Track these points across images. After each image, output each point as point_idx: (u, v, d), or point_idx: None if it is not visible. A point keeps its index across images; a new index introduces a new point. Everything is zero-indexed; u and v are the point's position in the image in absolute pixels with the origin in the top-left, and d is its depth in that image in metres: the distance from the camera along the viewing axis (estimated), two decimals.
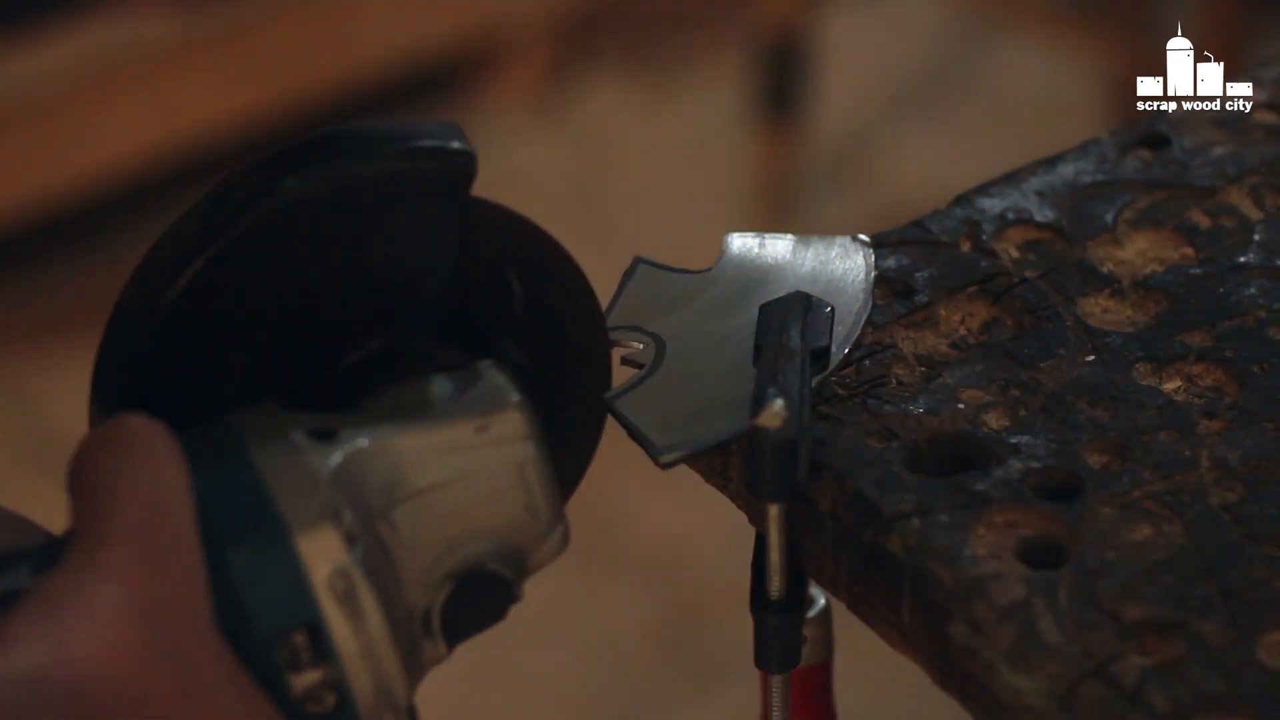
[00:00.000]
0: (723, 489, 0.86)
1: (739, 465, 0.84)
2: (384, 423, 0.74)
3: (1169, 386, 0.86)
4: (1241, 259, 0.91)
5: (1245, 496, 0.80)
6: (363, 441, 0.73)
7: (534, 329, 0.80)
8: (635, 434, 0.84)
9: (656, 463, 0.83)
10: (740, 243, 0.93)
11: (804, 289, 0.88)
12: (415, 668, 0.74)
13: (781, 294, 0.87)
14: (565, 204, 2.81)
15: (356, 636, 0.70)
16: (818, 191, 2.80)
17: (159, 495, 0.68)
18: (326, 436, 0.73)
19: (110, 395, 0.75)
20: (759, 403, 0.77)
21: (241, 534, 0.70)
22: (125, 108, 2.65)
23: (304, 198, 0.74)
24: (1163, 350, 0.87)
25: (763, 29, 2.74)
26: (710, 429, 0.84)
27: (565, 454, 0.83)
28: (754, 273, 0.91)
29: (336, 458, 0.72)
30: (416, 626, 0.74)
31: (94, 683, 0.65)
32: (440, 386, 0.76)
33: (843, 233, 0.93)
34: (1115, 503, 0.80)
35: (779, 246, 0.92)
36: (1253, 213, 0.94)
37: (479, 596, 0.74)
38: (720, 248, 0.93)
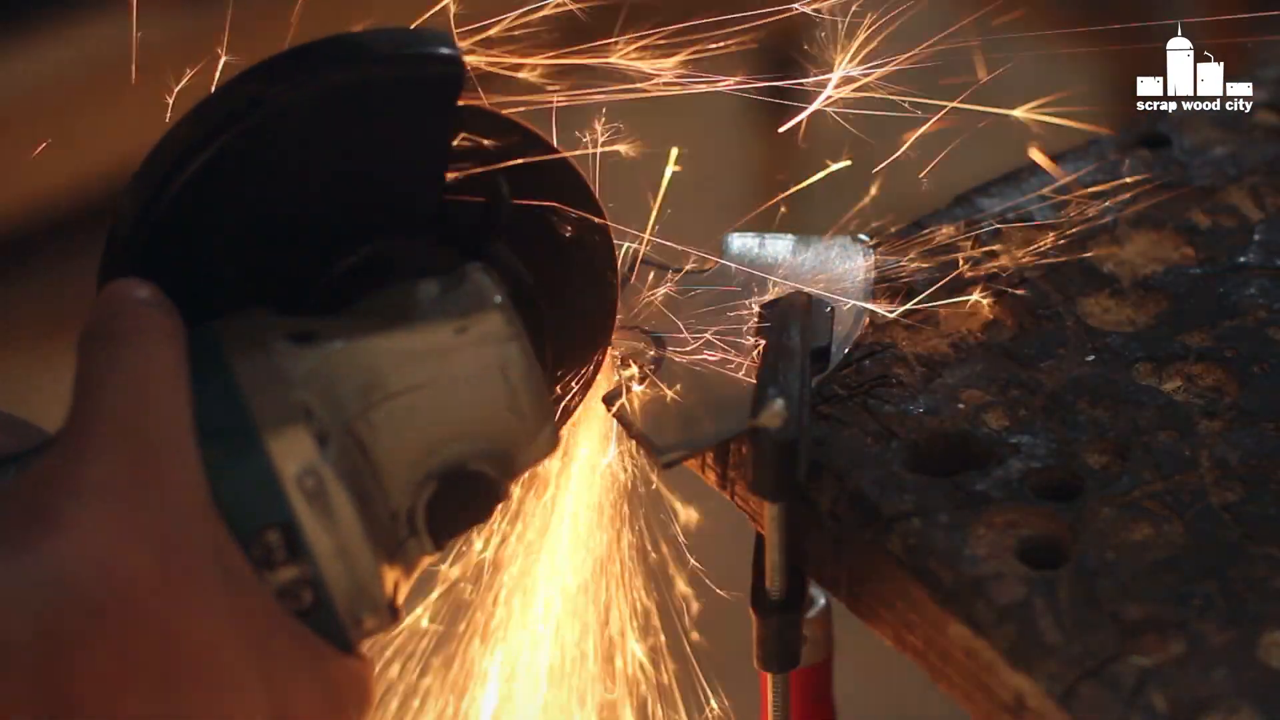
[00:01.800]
0: (723, 489, 0.86)
1: (739, 465, 0.84)
2: (365, 325, 0.75)
3: (1169, 386, 0.86)
4: (1241, 259, 0.91)
5: (1245, 496, 0.80)
6: (338, 344, 0.74)
7: (529, 231, 0.81)
8: (635, 434, 0.84)
9: (656, 462, 0.83)
10: (740, 243, 0.93)
11: (804, 289, 0.88)
12: (402, 566, 0.75)
13: (781, 294, 0.87)
14: None
15: (329, 534, 0.71)
16: (818, 191, 2.79)
17: (146, 382, 0.70)
18: (305, 339, 0.74)
19: None
20: (759, 403, 0.77)
21: (214, 435, 0.71)
22: (125, 108, 2.65)
23: (291, 105, 0.75)
24: (1163, 350, 0.87)
25: (763, 29, 2.74)
26: (710, 429, 0.84)
27: (573, 354, 0.83)
28: (754, 273, 0.91)
29: (311, 360, 0.73)
30: (402, 526, 0.74)
31: (77, 563, 0.66)
32: (426, 290, 0.76)
33: (843, 233, 0.93)
34: (1115, 503, 0.80)
35: (779, 246, 0.92)
36: (1253, 213, 0.94)
37: (464, 495, 0.75)
38: (720, 248, 0.93)
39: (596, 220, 0.82)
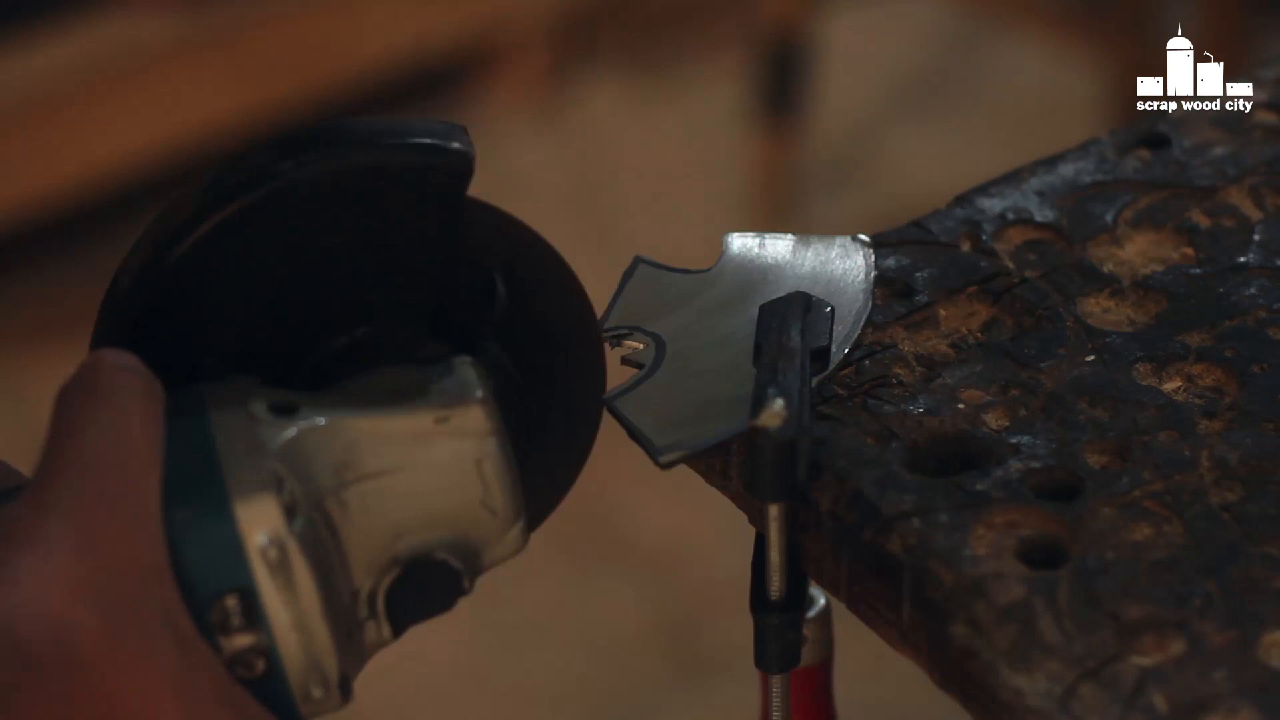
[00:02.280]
0: (723, 489, 0.86)
1: (739, 465, 0.84)
2: (347, 405, 0.75)
3: (1169, 386, 0.86)
4: (1241, 259, 0.91)
5: (1245, 496, 0.80)
6: (319, 420, 0.74)
7: (521, 330, 0.81)
8: (635, 434, 0.84)
9: (656, 463, 0.83)
10: (740, 243, 0.93)
11: (804, 289, 0.88)
12: (356, 647, 0.75)
13: (781, 294, 0.87)
14: (565, 204, 2.81)
15: (288, 607, 0.71)
16: (818, 191, 2.80)
17: (119, 440, 0.69)
18: (287, 411, 0.74)
19: None
20: (759, 403, 0.77)
21: (185, 494, 0.71)
22: (125, 108, 2.65)
23: (300, 183, 0.75)
24: (1163, 350, 0.87)
25: (763, 29, 2.74)
26: (710, 429, 0.84)
27: (555, 454, 0.84)
28: (754, 273, 0.91)
29: (290, 432, 0.73)
30: (362, 607, 0.75)
31: (20, 615, 0.66)
32: (412, 377, 0.77)
33: (843, 233, 0.93)
34: (1115, 503, 0.80)
35: (779, 246, 0.92)
36: (1253, 213, 0.94)
37: (426, 584, 0.75)
38: (720, 248, 0.93)
39: (587, 319, 0.83)
